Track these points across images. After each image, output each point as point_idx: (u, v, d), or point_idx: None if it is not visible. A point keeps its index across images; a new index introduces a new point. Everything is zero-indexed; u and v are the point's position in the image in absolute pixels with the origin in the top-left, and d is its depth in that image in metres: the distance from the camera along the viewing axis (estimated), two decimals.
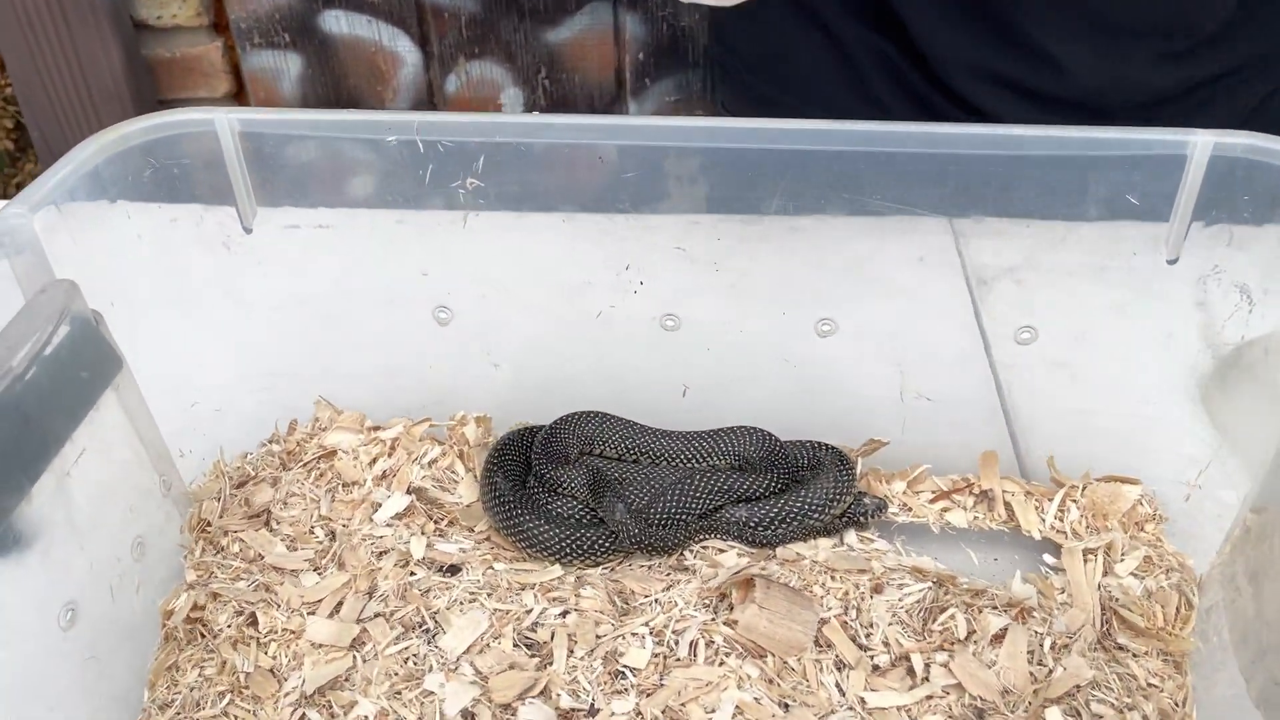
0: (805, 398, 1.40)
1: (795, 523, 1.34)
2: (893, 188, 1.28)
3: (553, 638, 1.28)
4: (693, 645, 1.27)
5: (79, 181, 1.15)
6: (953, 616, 1.32)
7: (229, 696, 1.27)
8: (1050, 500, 1.50)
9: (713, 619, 1.29)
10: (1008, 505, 1.50)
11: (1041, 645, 1.26)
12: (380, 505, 1.37)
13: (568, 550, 1.28)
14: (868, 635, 1.30)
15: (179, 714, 1.24)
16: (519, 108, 3.12)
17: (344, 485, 1.41)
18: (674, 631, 1.28)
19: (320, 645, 1.30)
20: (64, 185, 1.12)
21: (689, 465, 1.40)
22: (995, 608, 1.31)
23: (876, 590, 1.34)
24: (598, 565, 1.29)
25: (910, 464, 1.45)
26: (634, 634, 1.29)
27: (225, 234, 1.41)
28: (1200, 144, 1.24)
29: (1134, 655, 1.28)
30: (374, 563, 1.34)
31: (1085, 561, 1.37)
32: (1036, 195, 1.27)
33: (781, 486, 1.35)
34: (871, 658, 1.28)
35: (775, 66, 1.60)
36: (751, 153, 1.29)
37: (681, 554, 1.30)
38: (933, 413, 1.46)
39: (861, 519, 1.35)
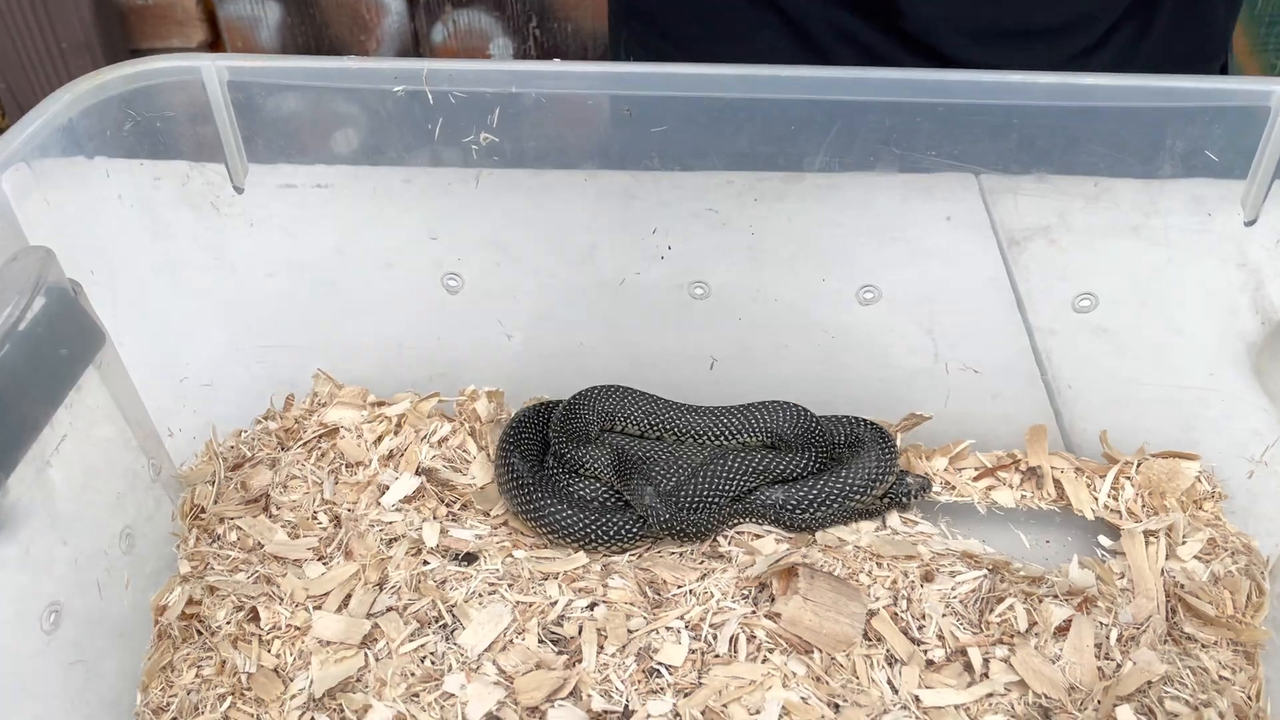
0: (841, 370, 1.35)
1: (835, 505, 1.30)
2: (950, 142, 1.16)
3: (580, 632, 1.22)
4: (733, 640, 1.21)
5: (51, 136, 1.07)
6: (1011, 607, 1.25)
7: (229, 699, 1.19)
8: (1103, 478, 1.42)
9: (753, 611, 1.23)
10: (1057, 483, 1.42)
11: (1108, 638, 1.17)
12: (388, 488, 1.33)
13: (593, 536, 1.24)
14: (920, 628, 1.23)
15: (175, 719, 1.14)
16: (508, 58, 3.00)
17: (347, 466, 1.37)
18: (711, 625, 1.22)
19: (328, 643, 1.23)
20: (35, 140, 1.04)
21: (718, 443, 1.36)
22: (1055, 597, 1.23)
23: (927, 579, 1.28)
24: (624, 552, 1.26)
25: (952, 440, 1.41)
26: (668, 628, 1.22)
27: (214, 193, 1.31)
28: None
29: (1203, 646, 1.21)
30: (383, 551, 1.29)
31: (1147, 545, 1.28)
32: (1106, 150, 1.16)
33: (819, 466, 1.31)
34: (925, 652, 1.21)
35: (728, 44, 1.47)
36: (795, 104, 1.19)
37: (715, 540, 1.27)
38: (975, 384, 1.36)
39: (904, 500, 1.31)
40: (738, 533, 1.28)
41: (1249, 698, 1.17)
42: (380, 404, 1.42)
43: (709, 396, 1.37)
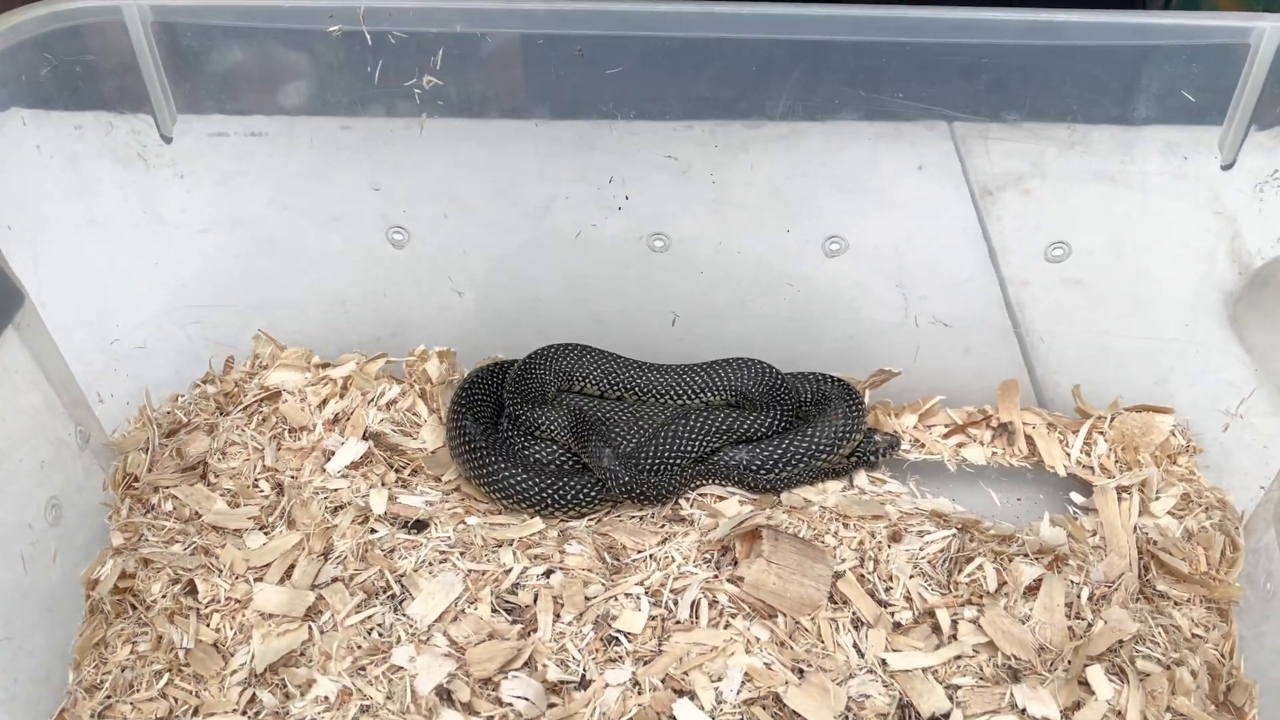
0: (807, 325, 1.33)
1: (801, 464, 1.27)
2: (919, 84, 1.11)
3: (536, 600, 1.17)
4: (694, 606, 1.16)
5: None
6: (980, 567, 1.21)
7: (166, 676, 1.14)
8: (1075, 433, 1.39)
9: (715, 576, 1.18)
10: (1029, 439, 1.39)
11: (1079, 597, 1.13)
12: (333, 454, 1.29)
13: (549, 501, 1.21)
14: (887, 590, 1.19)
15: (110, 697, 1.11)
16: None
17: (290, 431, 1.32)
18: (672, 591, 1.17)
19: (270, 616, 1.17)
20: None
21: (681, 402, 1.33)
22: (1026, 555, 1.19)
23: (894, 539, 1.23)
24: (582, 517, 1.22)
25: (922, 396, 1.39)
26: (627, 595, 1.18)
27: (140, 144, 1.25)
28: (1269, 31, 1.11)
29: (1176, 604, 1.18)
30: (328, 520, 1.24)
31: (1120, 501, 1.25)
32: (1080, 92, 1.10)
33: (784, 424, 1.28)
34: (892, 615, 1.18)
35: None
36: (758, 44, 1.11)
37: (677, 503, 1.24)
38: (946, 339, 1.34)
39: (872, 458, 1.29)
40: (700, 495, 1.25)
41: (1222, 655, 1.15)
42: (325, 366, 1.38)
43: (671, 354, 1.34)
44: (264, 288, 1.32)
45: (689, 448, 1.27)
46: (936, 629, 1.16)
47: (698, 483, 1.27)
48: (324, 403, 1.36)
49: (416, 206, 1.25)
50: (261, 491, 1.30)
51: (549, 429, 1.28)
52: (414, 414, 1.36)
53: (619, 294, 1.31)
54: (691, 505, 1.26)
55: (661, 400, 1.34)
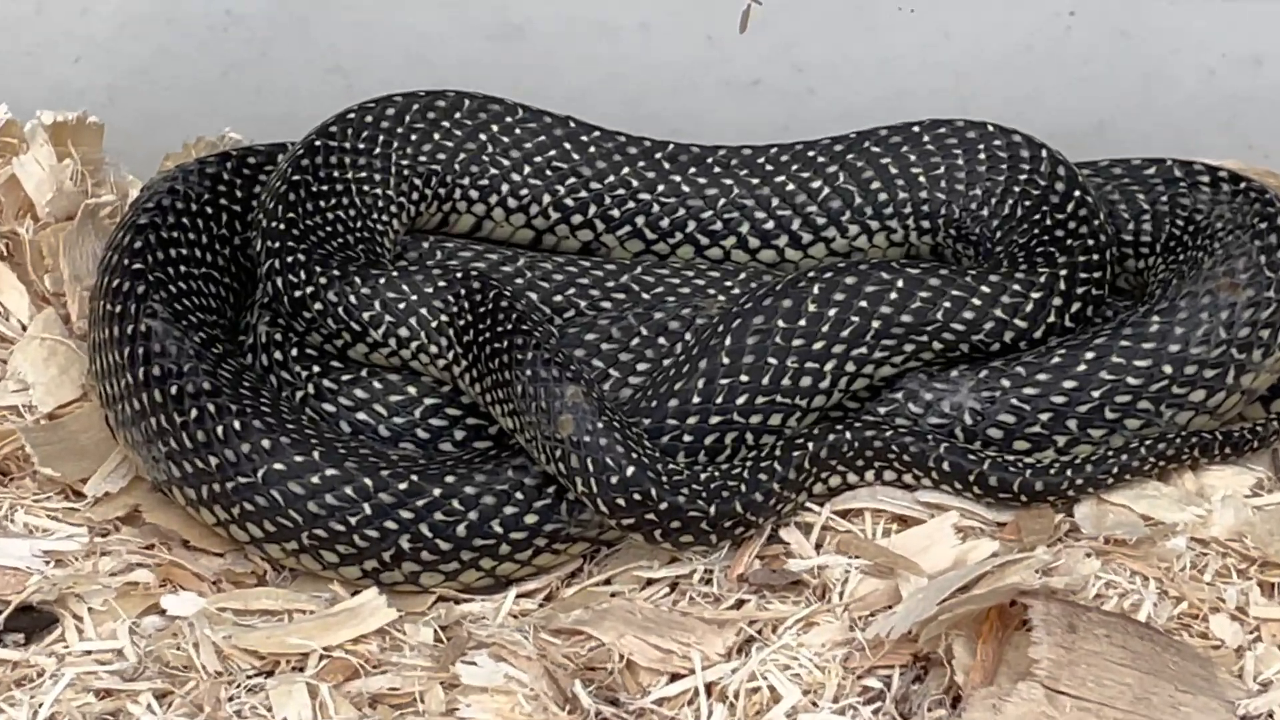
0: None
1: (1138, 416, 0.76)
2: None
3: None
4: None
5: None
6: None
7: None
8: None
9: None
10: None
11: None
12: None
13: (401, 545, 0.71)
14: None
15: None
16: None
17: None
18: None
19: None
20: None
21: (774, 257, 0.84)
22: None
23: None
24: (507, 582, 0.72)
25: None
26: None
27: None
28: None
29: None
30: None
31: None
32: None
33: (1083, 310, 0.78)
34: None
35: None
36: None
37: (775, 529, 0.73)
38: None
39: None
40: (845, 515, 0.73)
41: None
42: None
43: (739, 127, 0.88)
44: None
45: (811, 383, 0.74)
46: None
47: (831, 475, 0.73)
48: None
49: None
50: None
51: (402, 329, 0.74)
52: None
53: None
54: (819, 546, 0.72)
55: (708, 250, 0.83)
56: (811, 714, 0.67)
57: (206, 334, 0.73)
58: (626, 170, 0.84)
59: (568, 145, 0.85)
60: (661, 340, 0.77)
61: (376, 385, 0.74)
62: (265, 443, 0.69)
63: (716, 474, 0.71)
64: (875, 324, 0.73)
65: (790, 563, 0.71)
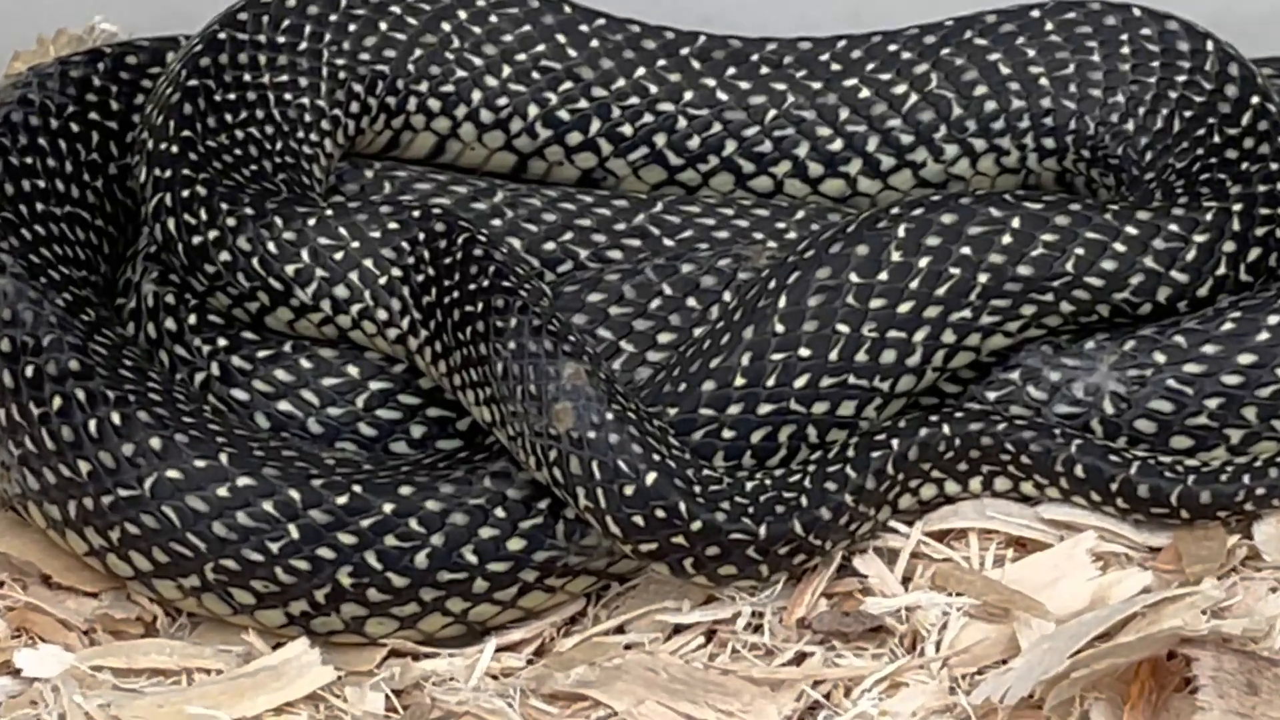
0: None
1: None
2: None
3: None
4: None
5: None
6: None
7: None
8: None
9: None
10: None
11: None
12: None
13: (343, 580, 0.62)
14: None
15: None
16: None
17: None
18: None
19: None
20: None
21: (842, 187, 0.77)
22: None
23: None
24: (482, 631, 0.65)
25: None
26: None
27: None
28: None
29: None
30: None
31: None
32: None
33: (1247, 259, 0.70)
34: None
35: None
36: None
37: (847, 552, 0.67)
38: None
39: None
40: (930, 536, 0.66)
41: None
42: None
43: (772, 8, 0.81)
44: None
45: (895, 359, 0.66)
46: None
47: (923, 484, 0.65)
48: None
49: None
50: None
51: (334, 294, 0.65)
52: None
53: None
54: (906, 580, 0.64)
55: (753, 180, 0.73)
56: None
57: (73, 295, 0.64)
58: (642, 72, 0.74)
59: (561, 38, 0.73)
60: (691, 302, 0.68)
61: (305, 365, 0.65)
62: (154, 442, 0.60)
63: (768, 483, 0.61)
64: (982, 278, 0.64)
65: (868, 602, 0.62)
